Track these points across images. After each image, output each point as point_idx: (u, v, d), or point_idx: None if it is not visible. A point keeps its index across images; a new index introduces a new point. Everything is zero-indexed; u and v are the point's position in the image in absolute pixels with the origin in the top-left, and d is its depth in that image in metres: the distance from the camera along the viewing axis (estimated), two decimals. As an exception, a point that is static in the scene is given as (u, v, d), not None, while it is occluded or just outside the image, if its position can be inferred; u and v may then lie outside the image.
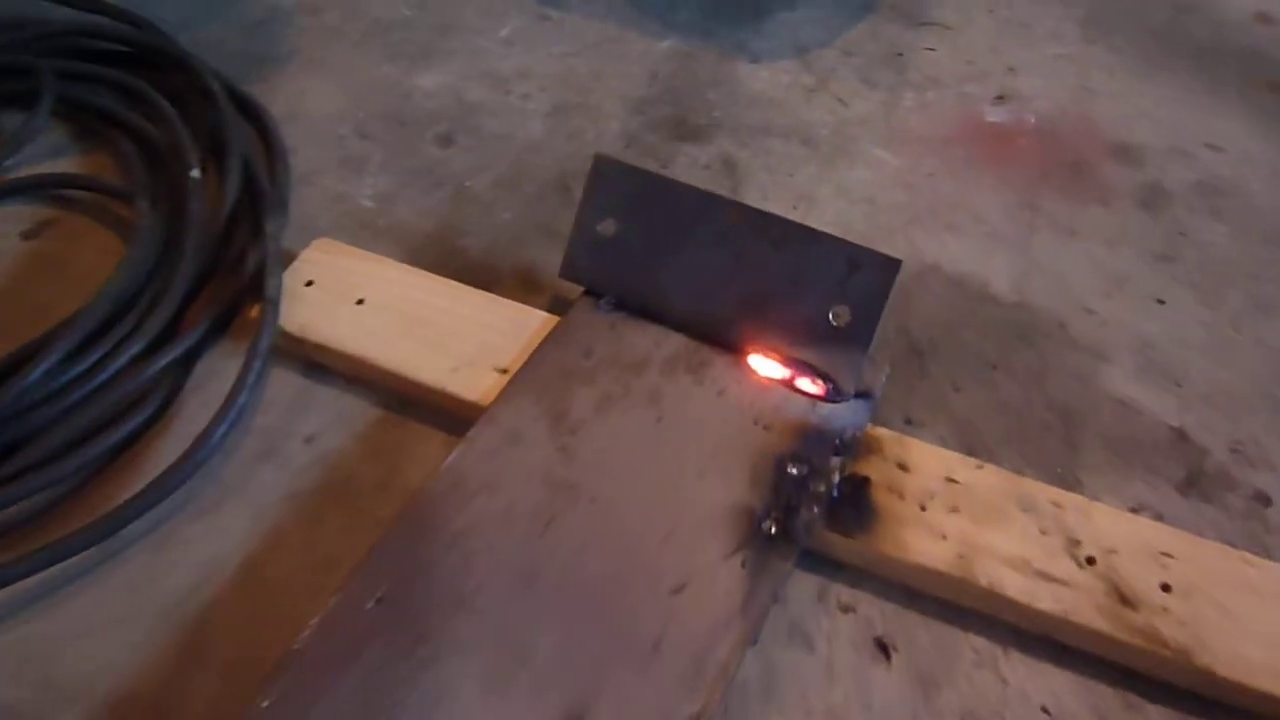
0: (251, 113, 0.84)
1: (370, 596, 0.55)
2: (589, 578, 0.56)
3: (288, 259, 0.72)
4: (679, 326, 0.62)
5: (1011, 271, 0.72)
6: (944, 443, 0.65)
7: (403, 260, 0.69)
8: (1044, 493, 0.61)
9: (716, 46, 0.90)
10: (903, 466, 0.62)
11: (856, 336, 0.62)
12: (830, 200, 0.81)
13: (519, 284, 0.71)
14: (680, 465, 0.61)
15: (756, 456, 0.60)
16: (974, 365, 0.66)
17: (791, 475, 0.60)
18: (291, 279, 0.71)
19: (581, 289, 0.65)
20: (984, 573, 0.56)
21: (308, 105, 0.87)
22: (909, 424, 0.67)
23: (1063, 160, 0.83)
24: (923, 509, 0.60)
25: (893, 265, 0.62)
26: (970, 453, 0.63)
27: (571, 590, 0.56)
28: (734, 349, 0.61)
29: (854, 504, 0.60)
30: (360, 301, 0.70)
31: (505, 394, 0.64)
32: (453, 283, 0.69)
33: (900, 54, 0.91)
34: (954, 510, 0.60)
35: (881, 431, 0.61)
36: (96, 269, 0.72)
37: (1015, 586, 0.55)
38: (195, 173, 0.77)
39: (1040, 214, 0.79)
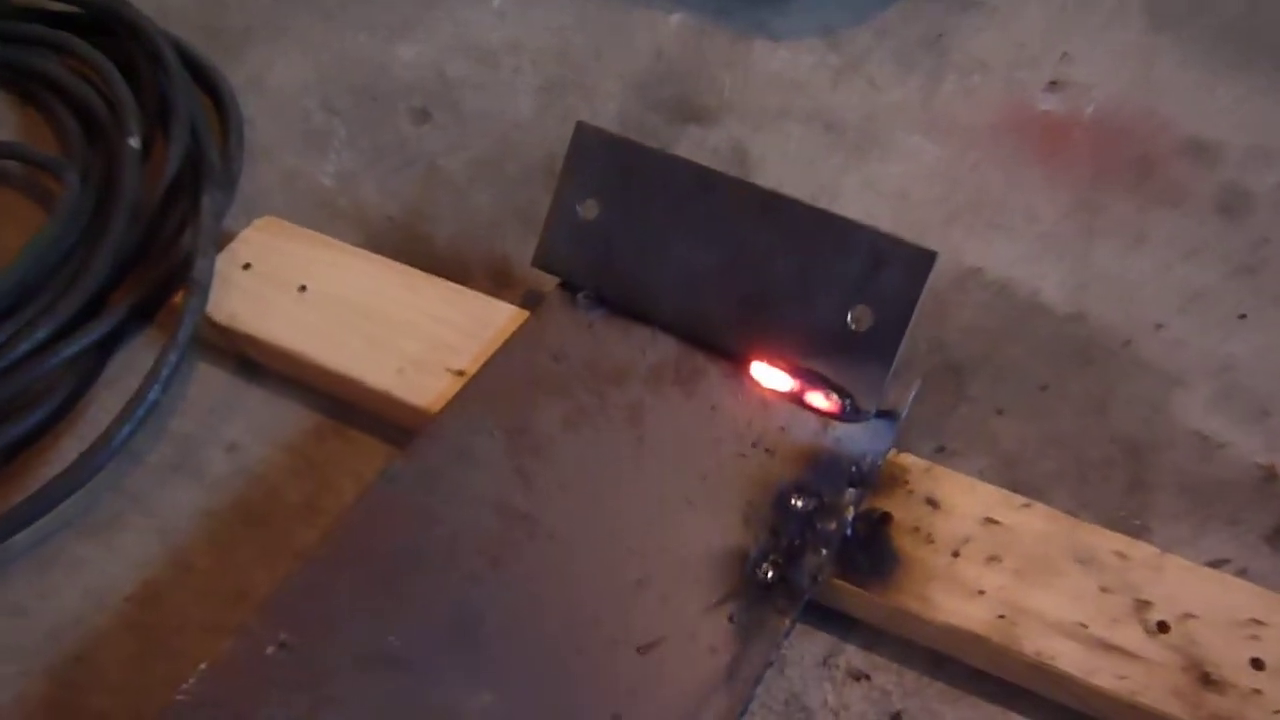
0: (207, 81, 0.75)
1: (272, 639, 0.45)
2: (540, 629, 0.46)
3: (228, 240, 0.62)
4: (669, 327, 0.52)
5: (1067, 279, 0.61)
6: (983, 476, 0.54)
7: (361, 246, 0.59)
8: (1106, 541, 0.50)
9: (731, 24, 0.80)
10: (932, 503, 0.51)
11: (880, 344, 0.51)
12: (856, 194, 0.70)
13: (490, 276, 0.61)
14: (661, 495, 0.50)
15: (754, 486, 0.50)
16: (1021, 386, 0.56)
17: (796, 510, 0.49)
18: (226, 261, 0.62)
19: (557, 281, 0.54)
20: (1030, 639, 0.45)
21: (273, 76, 0.78)
22: (941, 452, 0.56)
23: (1126, 156, 0.72)
24: (955, 556, 0.49)
25: (925, 259, 0.51)
26: (1015, 490, 0.52)
27: (517, 644, 0.45)
28: (733, 356, 0.53)
29: (871, 547, 0.49)
30: (302, 289, 0.60)
31: (456, 402, 0.54)
32: (410, 270, 0.59)
33: (941, 35, 0.80)
34: (994, 559, 0.49)
35: (908, 460, 0.51)
36: (18, 248, 0.62)
37: (1069, 658, 0.44)
38: (134, 142, 0.67)
39: (1101, 215, 0.68)
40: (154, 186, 0.67)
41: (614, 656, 0.45)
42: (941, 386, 0.60)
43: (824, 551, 0.48)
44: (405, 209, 0.67)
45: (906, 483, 0.52)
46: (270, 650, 0.45)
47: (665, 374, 0.53)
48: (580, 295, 0.56)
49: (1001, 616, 0.47)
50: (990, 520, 0.50)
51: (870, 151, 0.73)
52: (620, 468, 0.51)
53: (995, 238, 0.68)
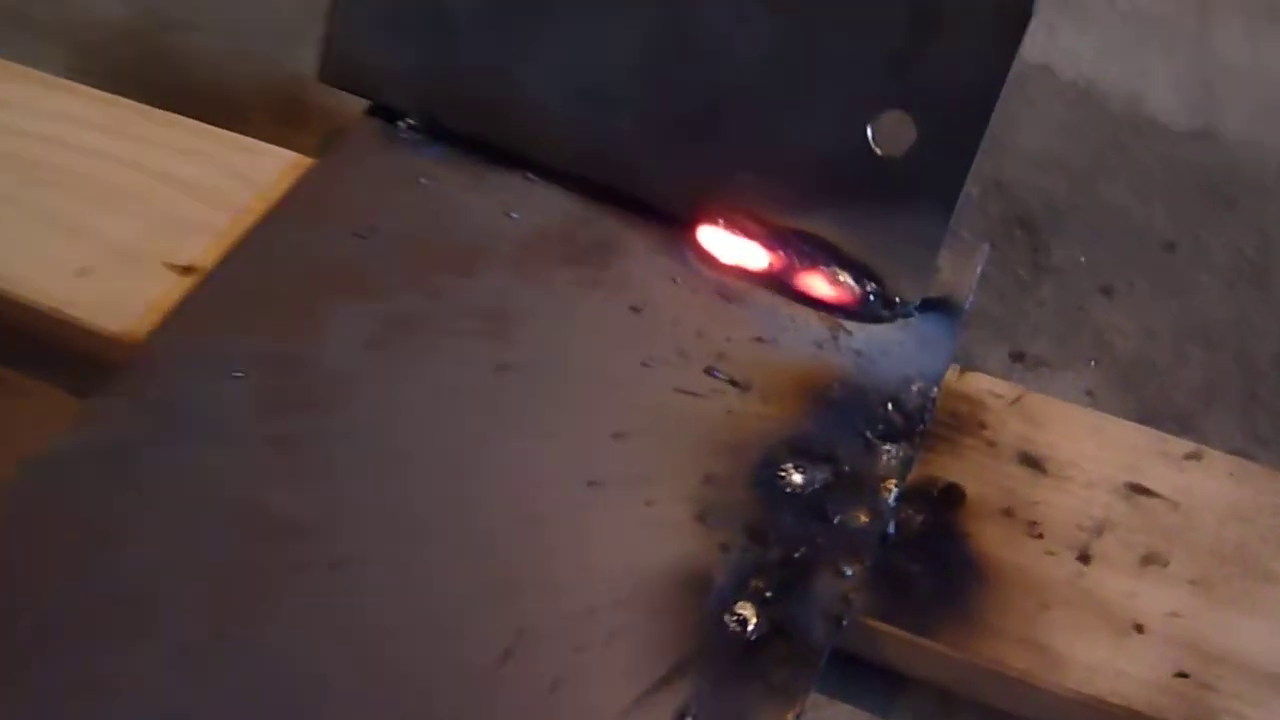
0: None
1: None
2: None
3: None
4: (556, 170, 0.32)
5: (1181, 79, 0.41)
6: (1095, 402, 0.31)
7: (64, 72, 0.41)
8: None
9: None
10: (1032, 461, 0.29)
11: (929, 179, 0.28)
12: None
13: (276, 114, 0.39)
14: (546, 474, 0.27)
15: (715, 448, 0.27)
16: (1133, 247, 0.39)
17: (794, 489, 0.27)
18: None
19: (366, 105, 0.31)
20: (1236, 713, 0.23)
21: None
22: (1021, 362, 0.34)
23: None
24: (1084, 560, 0.27)
25: (1013, 19, 0.27)
26: (1150, 421, 0.30)
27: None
28: (669, 214, 0.33)
29: (933, 553, 0.27)
30: (-73, 139, 0.35)
31: (175, 322, 0.30)
32: (126, 103, 0.35)
33: None
34: (1153, 560, 0.27)
35: (981, 384, 0.29)
36: None
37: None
38: None
39: (1217, -17, 0.46)
40: None
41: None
42: (1009, 252, 0.37)
43: (849, 569, 0.26)
44: (141, 14, 0.42)
45: (983, 425, 0.29)
46: None
47: (550, 252, 0.30)
48: (402, 124, 0.32)
49: (1182, 675, 0.25)
50: (1136, 487, 0.28)
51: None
52: (469, 426, 0.28)
53: (1064, 22, 0.45)
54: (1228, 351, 0.35)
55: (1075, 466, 0.29)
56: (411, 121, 0.35)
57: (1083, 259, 0.37)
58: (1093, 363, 0.34)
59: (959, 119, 0.29)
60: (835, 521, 0.27)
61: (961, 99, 0.29)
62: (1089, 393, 0.34)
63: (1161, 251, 0.37)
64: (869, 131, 0.30)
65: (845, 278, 0.30)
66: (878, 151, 0.30)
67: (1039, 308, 0.36)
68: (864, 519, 0.27)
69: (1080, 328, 0.35)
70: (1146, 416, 0.32)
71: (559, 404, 0.29)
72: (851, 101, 0.30)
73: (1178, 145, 0.40)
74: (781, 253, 0.31)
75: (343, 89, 0.36)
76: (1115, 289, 0.36)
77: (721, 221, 0.31)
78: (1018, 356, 0.34)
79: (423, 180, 0.33)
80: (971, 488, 0.28)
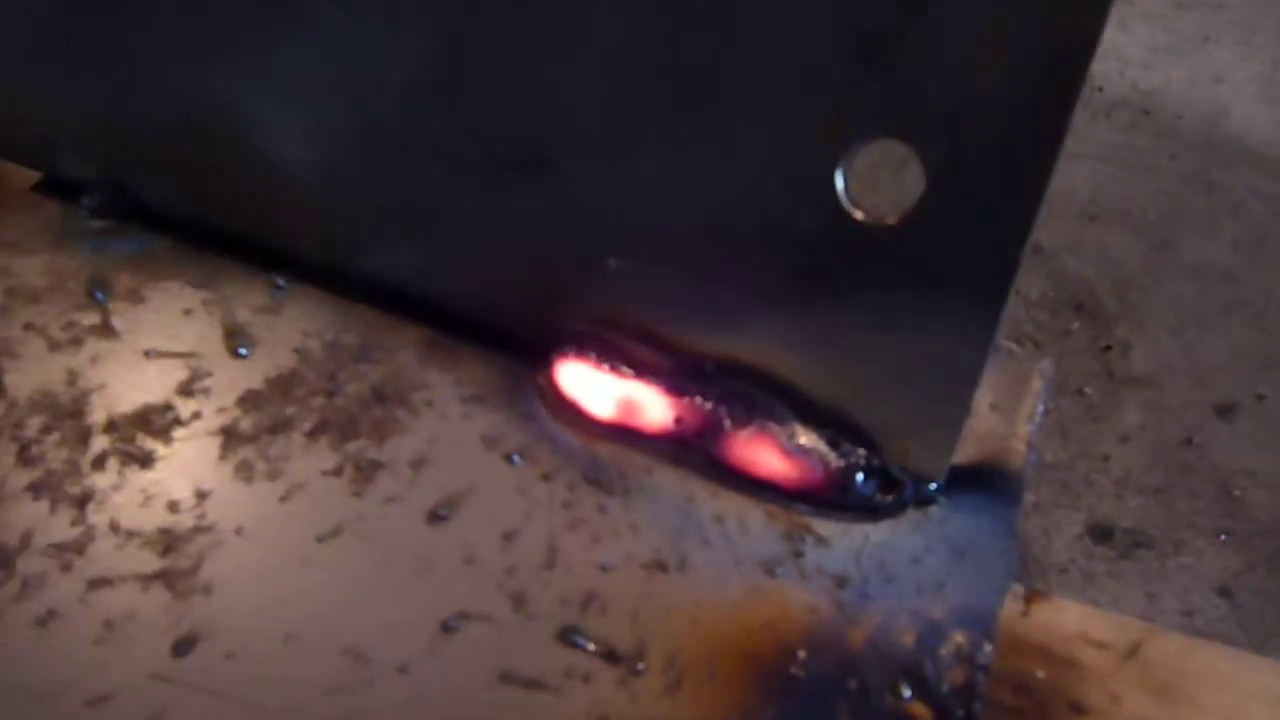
0: None
1: None
2: None
3: None
4: (316, 268, 0.19)
5: (1271, 82, 0.24)
6: (1237, 609, 0.18)
7: None
8: None
9: None
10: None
11: (955, 266, 0.14)
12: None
13: None
14: None
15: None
16: (1251, 334, 0.20)
17: None
18: None
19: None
20: None
21: None
22: (1107, 544, 0.20)
23: None
24: None
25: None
26: None
27: None
28: (502, 336, 0.20)
29: None
30: None
31: None
32: None
33: None
34: None
35: (1063, 620, 0.16)
36: None
37: None
38: None
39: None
40: None
41: None
42: (1069, 358, 0.24)
43: None
44: None
45: (1080, 709, 0.16)
46: None
47: (294, 413, 0.16)
48: (85, 202, 0.18)
49: None
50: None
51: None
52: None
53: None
54: None
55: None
56: (97, 199, 0.21)
57: (1180, 361, 0.24)
58: (1222, 536, 0.21)
59: (1003, 147, 0.16)
60: None
61: (1009, 108, 0.16)
62: (1223, 591, 0.20)
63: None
64: (839, 179, 0.17)
65: (809, 440, 0.17)
66: (856, 214, 0.17)
67: (1123, 446, 0.22)
68: None
69: (1192, 476, 0.22)
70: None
71: (278, 722, 0.15)
72: (804, 125, 0.17)
73: (1286, 179, 0.28)
74: (696, 400, 0.17)
75: (-2, 153, 0.23)
76: (1236, 406, 0.23)
77: (591, 350, 0.18)
78: (1102, 534, 0.21)
79: (99, 295, 0.20)
80: None
